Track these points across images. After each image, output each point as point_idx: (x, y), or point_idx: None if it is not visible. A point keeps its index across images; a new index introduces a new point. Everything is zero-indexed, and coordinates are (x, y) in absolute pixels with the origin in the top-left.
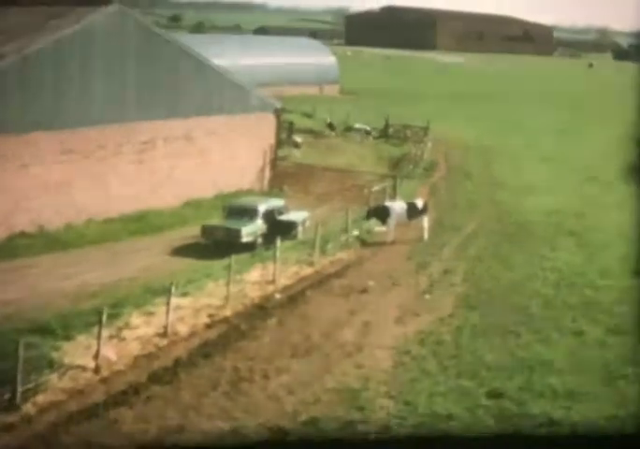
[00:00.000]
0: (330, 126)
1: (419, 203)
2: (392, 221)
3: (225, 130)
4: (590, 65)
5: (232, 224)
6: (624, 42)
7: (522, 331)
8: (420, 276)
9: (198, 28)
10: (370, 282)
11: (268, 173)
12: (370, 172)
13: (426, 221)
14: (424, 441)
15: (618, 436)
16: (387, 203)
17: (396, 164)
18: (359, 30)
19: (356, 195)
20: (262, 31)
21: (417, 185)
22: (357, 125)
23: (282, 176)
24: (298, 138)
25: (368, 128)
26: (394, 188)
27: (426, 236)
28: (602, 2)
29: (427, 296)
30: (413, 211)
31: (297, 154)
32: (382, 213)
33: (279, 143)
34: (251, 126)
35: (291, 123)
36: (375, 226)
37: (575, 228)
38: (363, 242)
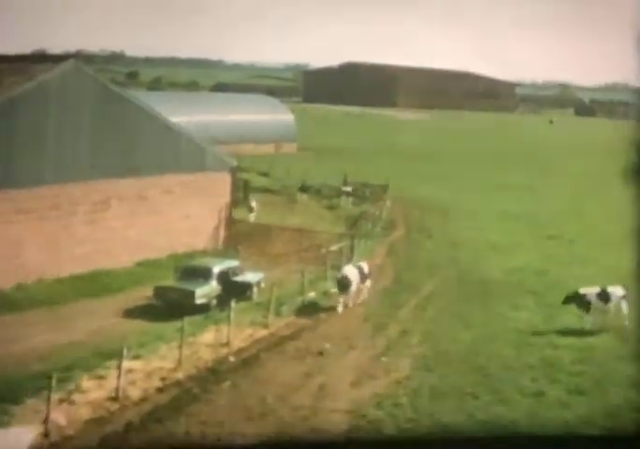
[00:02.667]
0: (303, 189)
1: (365, 267)
2: (353, 288)
3: (179, 189)
4: (551, 122)
5: (186, 285)
6: (586, 98)
7: (481, 392)
8: (377, 338)
9: (156, 85)
10: (326, 345)
11: (222, 233)
12: (328, 231)
13: (369, 283)
14: (423, 443)
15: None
16: (345, 272)
17: (354, 223)
18: (318, 87)
19: (313, 256)
20: (219, 87)
21: (376, 245)
22: (344, 188)
23: (237, 236)
24: (252, 202)
25: (349, 190)
26: (352, 248)
27: (366, 296)
28: (563, 58)
29: (384, 359)
30: (362, 275)
31: (252, 218)
32: (344, 283)
33: (234, 202)
34: (206, 185)
35: (246, 182)
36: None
37: (536, 287)
38: (318, 308)
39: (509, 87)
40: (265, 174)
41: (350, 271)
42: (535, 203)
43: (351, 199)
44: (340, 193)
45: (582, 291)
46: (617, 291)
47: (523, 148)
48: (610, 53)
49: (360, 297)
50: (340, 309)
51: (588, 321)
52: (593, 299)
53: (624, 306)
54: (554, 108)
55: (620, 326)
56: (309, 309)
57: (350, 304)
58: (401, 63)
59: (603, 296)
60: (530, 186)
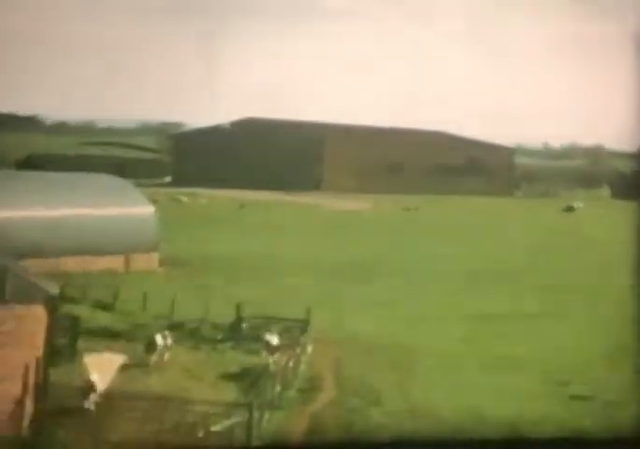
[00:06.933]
0: (149, 348)
1: None
2: None
3: None
4: (570, 209)
5: None
6: (628, 170)
7: None
8: None
9: None
10: None
11: (30, 408)
12: (210, 400)
13: None
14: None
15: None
16: None
17: (253, 383)
18: (197, 159)
19: (184, 442)
20: (31, 162)
21: (288, 419)
22: (268, 336)
23: (55, 412)
24: (93, 375)
25: (276, 340)
26: (248, 426)
27: None
28: (591, 108)
29: None
30: None
31: (91, 408)
32: None
33: (53, 355)
34: (5, 328)
35: (76, 320)
36: None
37: None
38: None
39: (503, 156)
40: (106, 306)
41: None
42: (544, 342)
43: (277, 355)
44: (233, 337)
45: None
46: None
47: (523, 256)
48: None
49: None
50: None
51: None
52: None
53: None
54: (577, 187)
55: None
56: None
57: None
58: (330, 118)
59: None
60: (539, 315)
